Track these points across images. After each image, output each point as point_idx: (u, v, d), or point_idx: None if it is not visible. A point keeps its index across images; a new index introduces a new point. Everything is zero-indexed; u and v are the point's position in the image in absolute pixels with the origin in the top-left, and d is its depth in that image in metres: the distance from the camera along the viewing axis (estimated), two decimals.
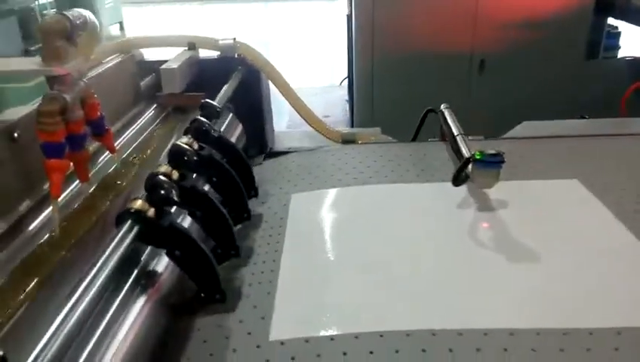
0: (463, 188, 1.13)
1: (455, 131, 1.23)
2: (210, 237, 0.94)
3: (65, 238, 0.83)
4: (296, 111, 1.66)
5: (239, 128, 1.45)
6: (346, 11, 4.12)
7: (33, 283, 0.72)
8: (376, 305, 0.85)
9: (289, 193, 1.24)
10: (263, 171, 1.42)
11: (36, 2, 6.47)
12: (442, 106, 1.40)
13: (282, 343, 0.78)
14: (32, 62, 0.85)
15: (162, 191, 0.77)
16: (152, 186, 0.77)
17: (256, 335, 0.81)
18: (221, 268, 0.98)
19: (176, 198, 0.78)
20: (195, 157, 0.91)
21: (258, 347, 0.79)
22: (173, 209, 0.91)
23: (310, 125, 1.68)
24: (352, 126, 4.18)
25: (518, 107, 3.57)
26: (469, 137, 1.45)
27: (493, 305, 0.84)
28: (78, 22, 0.88)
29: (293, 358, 0.75)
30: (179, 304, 0.86)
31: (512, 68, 3.77)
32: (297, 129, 2.40)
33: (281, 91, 1.63)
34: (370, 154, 1.39)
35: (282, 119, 3.75)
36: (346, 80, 4.99)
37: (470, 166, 1.02)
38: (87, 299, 0.61)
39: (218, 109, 1.11)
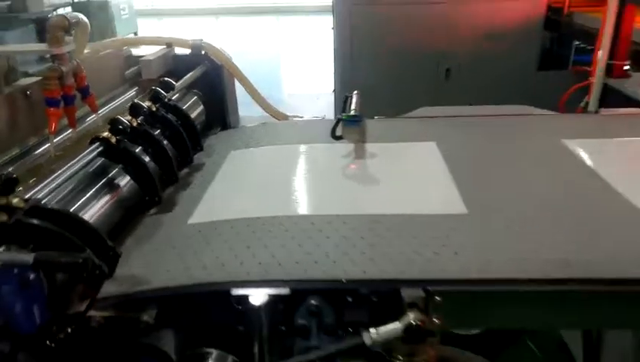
0: (349, 147, 1.55)
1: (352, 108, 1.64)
2: (158, 167, 1.37)
3: (57, 159, 1.27)
4: (252, 98, 2.11)
5: (200, 107, 1.89)
6: (331, 25, 4.58)
7: (33, 179, 1.14)
8: (260, 204, 1.27)
9: (229, 150, 1.68)
10: (216, 138, 1.86)
11: (54, 12, 7.07)
12: (353, 93, 1.82)
13: (194, 225, 1.21)
14: (42, 46, 1.30)
15: (120, 126, 1.21)
16: (113, 122, 1.21)
17: (180, 222, 1.23)
18: (168, 191, 1.42)
19: (128, 131, 1.22)
20: (148, 113, 1.35)
21: (180, 227, 1.21)
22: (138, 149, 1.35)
23: (263, 109, 2.13)
24: None
25: None
26: (376, 117, 1.89)
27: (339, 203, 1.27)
28: (73, 21, 1.33)
29: (199, 231, 1.18)
30: (134, 206, 1.29)
31: (473, 76, 4.18)
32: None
33: (240, 82, 2.08)
34: (297, 128, 1.83)
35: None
36: None
37: (340, 124, 1.45)
38: (58, 181, 1.04)
39: (172, 85, 1.55)
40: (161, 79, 1.55)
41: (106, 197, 1.18)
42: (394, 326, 0.92)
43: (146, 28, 10.85)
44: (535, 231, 1.10)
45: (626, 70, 2.40)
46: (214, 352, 1.06)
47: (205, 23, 13.56)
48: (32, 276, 0.79)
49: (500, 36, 4.13)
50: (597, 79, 2.42)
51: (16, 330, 0.81)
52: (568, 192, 1.27)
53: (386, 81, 4.22)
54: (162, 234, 1.20)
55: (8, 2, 6.11)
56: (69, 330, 0.95)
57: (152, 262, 1.08)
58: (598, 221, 1.13)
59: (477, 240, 1.07)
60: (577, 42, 4.23)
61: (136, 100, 1.35)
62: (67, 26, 1.32)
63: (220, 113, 2.03)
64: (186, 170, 1.53)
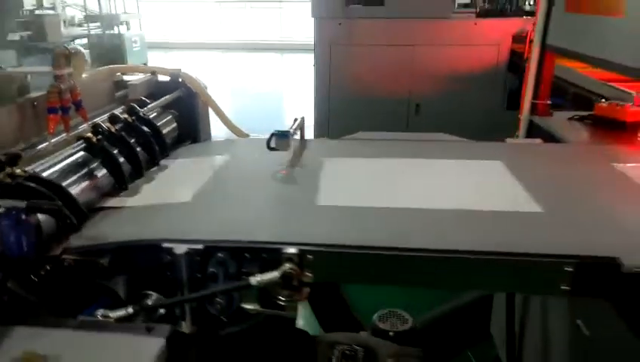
0: (284, 157, 1.96)
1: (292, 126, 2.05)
2: (128, 163, 1.78)
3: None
4: (220, 119, 2.54)
5: (173, 124, 2.32)
6: (313, 62, 5.08)
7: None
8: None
9: (191, 157, 2.09)
10: (185, 149, 2.28)
11: (72, 43, 7.70)
12: (299, 117, 2.24)
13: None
14: (48, 69, 1.74)
15: (99, 129, 1.63)
16: (94, 126, 1.63)
17: (139, 203, 1.63)
18: (136, 182, 1.82)
19: (106, 133, 1.63)
20: (125, 122, 1.78)
21: (138, 206, 1.61)
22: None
23: (228, 128, 2.56)
24: None
25: None
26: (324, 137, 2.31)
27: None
28: (73, 51, 1.78)
29: (152, 209, 1.57)
30: (107, 191, 1.69)
31: (442, 112, 4.62)
32: None
33: (209, 105, 2.51)
34: (251, 143, 2.24)
35: None
36: None
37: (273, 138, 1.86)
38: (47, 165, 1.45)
39: (147, 103, 1.98)
40: (139, 98, 1.99)
41: (86, 182, 1.59)
42: (273, 273, 1.30)
43: (155, 59, 11.55)
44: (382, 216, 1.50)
45: (549, 109, 2.82)
46: (153, 294, 1.44)
47: (212, 57, 14.27)
48: (24, 216, 1.19)
49: (467, 77, 4.60)
50: (524, 116, 2.84)
51: (10, 254, 1.20)
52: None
53: (361, 113, 4.68)
54: (124, 210, 1.60)
55: (29, 32, 6.71)
56: (48, 268, 1.34)
57: (112, 227, 1.48)
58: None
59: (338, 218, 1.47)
60: None
61: (114, 112, 1.78)
62: (68, 55, 1.76)
63: (192, 130, 2.46)
64: (153, 169, 1.94)
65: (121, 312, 1.29)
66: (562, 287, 1.22)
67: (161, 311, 1.43)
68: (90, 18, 9.14)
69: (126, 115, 1.84)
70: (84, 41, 8.83)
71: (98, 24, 9.40)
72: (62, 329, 1.18)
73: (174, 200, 1.63)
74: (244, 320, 1.56)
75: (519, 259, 1.24)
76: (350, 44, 4.61)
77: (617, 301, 1.37)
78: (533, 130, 2.90)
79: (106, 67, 2.34)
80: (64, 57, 1.75)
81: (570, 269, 1.20)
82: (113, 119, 1.74)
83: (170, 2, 16.62)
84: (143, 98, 2.02)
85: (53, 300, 1.37)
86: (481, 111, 4.61)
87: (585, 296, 1.30)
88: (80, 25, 9.13)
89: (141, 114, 1.91)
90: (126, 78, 2.51)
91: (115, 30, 9.67)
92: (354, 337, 2.01)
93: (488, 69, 4.52)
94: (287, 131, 1.85)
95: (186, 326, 1.39)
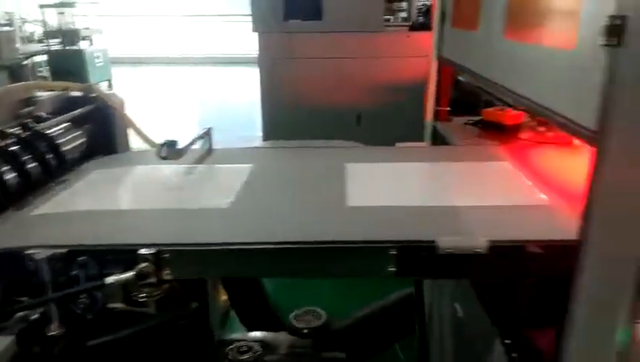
0: (177, 167, 2.05)
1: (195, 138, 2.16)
2: (20, 177, 1.85)
3: None
4: (134, 130, 2.63)
5: (81, 139, 2.39)
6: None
7: None
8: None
9: (94, 170, 2.17)
10: (94, 162, 2.36)
11: (31, 60, 7.72)
12: (208, 128, 2.34)
13: (33, 216, 1.68)
14: None
15: None
16: None
17: (25, 213, 1.71)
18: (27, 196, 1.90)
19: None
20: (17, 137, 1.86)
21: (22, 217, 1.69)
22: None
23: (142, 140, 2.65)
24: None
25: None
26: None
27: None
28: None
29: (34, 219, 1.65)
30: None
31: (381, 122, 4.78)
32: None
33: (124, 120, 2.60)
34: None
35: None
36: None
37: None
38: None
39: (44, 118, 2.06)
40: (35, 113, 2.07)
41: None
42: (129, 273, 1.39)
43: (121, 74, 11.57)
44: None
45: (448, 115, 3.00)
46: (25, 300, 1.52)
47: (181, 72, 14.32)
48: None
49: (402, 87, 4.77)
50: (427, 122, 3.00)
51: None
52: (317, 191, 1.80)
53: (305, 125, 4.81)
54: (9, 220, 1.68)
55: None
56: None
57: None
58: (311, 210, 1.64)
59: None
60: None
61: (4, 128, 1.87)
62: None
63: (108, 143, 2.55)
64: (51, 184, 2.02)
65: None
66: (389, 269, 1.35)
67: (35, 316, 1.52)
68: (50, 34, 9.14)
69: (20, 130, 1.92)
70: (44, 57, 8.83)
71: (59, 40, 9.41)
72: None
73: (62, 210, 1.72)
74: (141, 322, 1.66)
75: (352, 246, 1.36)
76: (291, 57, 4.75)
77: (475, 282, 1.50)
78: (437, 135, 3.06)
79: (16, 84, 2.41)
80: None
81: (395, 252, 1.33)
82: (1, 134, 1.83)
83: (138, 17, 16.70)
84: (44, 114, 2.10)
85: None
86: (417, 120, 4.76)
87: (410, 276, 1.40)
88: (40, 41, 9.13)
89: (36, 129, 1.99)
90: (41, 94, 2.60)
91: (77, 46, 9.69)
92: (253, 336, 2.12)
93: (421, 79, 4.68)
94: (176, 141, 1.95)
95: (54, 328, 1.47)
